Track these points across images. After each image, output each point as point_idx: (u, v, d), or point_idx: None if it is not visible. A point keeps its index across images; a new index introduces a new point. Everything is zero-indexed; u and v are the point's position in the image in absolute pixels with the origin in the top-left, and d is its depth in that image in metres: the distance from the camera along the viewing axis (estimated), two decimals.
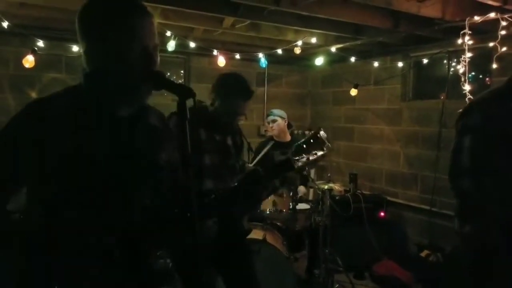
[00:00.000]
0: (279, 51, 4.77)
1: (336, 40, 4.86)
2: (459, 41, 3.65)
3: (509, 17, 3.39)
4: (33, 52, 3.95)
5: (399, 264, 4.35)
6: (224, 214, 1.56)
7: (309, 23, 4.10)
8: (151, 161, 1.31)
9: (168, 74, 5.77)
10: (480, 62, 4.19)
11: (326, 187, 4.09)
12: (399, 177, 5.30)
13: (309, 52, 5.31)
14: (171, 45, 4.06)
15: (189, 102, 1.09)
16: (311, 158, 1.68)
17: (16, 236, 1.22)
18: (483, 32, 3.76)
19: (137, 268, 1.26)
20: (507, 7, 3.36)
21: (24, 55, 3.97)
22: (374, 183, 5.61)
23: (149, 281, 1.28)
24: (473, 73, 4.28)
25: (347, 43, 4.79)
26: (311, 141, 1.66)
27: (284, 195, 3.80)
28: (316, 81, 6.68)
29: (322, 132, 1.66)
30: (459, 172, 1.78)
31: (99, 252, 1.21)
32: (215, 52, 4.50)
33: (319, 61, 5.12)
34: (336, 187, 4.35)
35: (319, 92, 6.61)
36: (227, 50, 4.86)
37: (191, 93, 1.08)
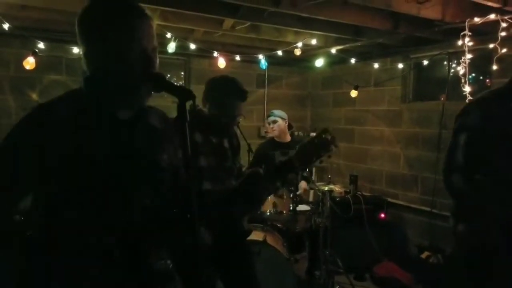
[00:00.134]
0: (279, 52, 4.77)
1: (336, 42, 4.87)
2: (459, 42, 3.66)
3: (509, 18, 3.39)
4: (34, 54, 3.96)
5: (399, 266, 4.34)
6: (224, 215, 1.54)
7: (309, 24, 4.10)
8: (151, 162, 1.32)
9: (169, 75, 5.78)
10: (480, 64, 4.19)
11: (326, 188, 4.09)
12: (399, 178, 5.30)
13: (309, 53, 5.31)
14: (171, 47, 4.07)
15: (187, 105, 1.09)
16: (316, 161, 1.56)
17: (17, 236, 1.23)
18: (483, 33, 3.76)
19: (137, 268, 1.26)
20: (507, 8, 3.37)
21: (24, 57, 3.98)
22: (375, 185, 5.61)
23: (149, 281, 1.28)
24: (473, 75, 4.28)
25: (347, 45, 4.80)
26: (317, 142, 1.53)
27: (284, 197, 3.80)
28: (316, 82, 6.68)
29: (328, 133, 1.54)
30: (452, 169, 1.78)
31: (99, 252, 1.21)
32: (215, 54, 4.51)
33: (319, 62, 5.13)
34: (337, 188, 4.35)
35: (319, 93, 6.62)
36: (227, 51, 4.87)
37: (191, 95, 1.09)
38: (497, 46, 3.50)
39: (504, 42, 3.49)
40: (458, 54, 4.05)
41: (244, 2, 3.40)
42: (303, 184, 4.36)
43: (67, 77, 4.80)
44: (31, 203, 1.23)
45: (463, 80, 3.64)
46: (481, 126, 1.73)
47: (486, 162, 1.71)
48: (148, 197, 1.28)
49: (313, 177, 4.48)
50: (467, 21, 3.51)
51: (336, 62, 5.71)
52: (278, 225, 3.76)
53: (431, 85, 5.17)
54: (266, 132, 5.13)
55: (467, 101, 3.49)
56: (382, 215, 4.89)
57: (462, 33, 3.58)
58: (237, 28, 4.23)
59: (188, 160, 1.08)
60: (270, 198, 3.70)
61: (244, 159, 3.24)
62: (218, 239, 1.62)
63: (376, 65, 5.29)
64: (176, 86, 1.13)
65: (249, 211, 2.52)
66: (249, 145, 3.48)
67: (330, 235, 3.92)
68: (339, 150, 6.06)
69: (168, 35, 3.97)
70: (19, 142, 1.21)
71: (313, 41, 4.56)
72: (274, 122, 4.48)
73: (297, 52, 4.58)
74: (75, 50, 4.34)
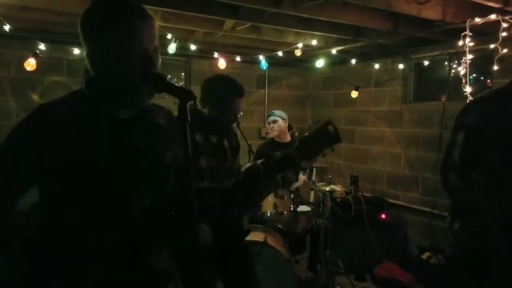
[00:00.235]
0: (280, 53, 4.77)
1: (337, 42, 4.87)
2: (460, 43, 3.65)
3: (510, 18, 3.39)
4: (35, 55, 3.96)
5: (400, 266, 4.34)
6: (224, 213, 1.52)
7: (310, 25, 4.10)
8: (153, 161, 1.32)
9: (169, 76, 5.78)
10: (481, 64, 4.19)
11: (327, 189, 4.10)
12: (400, 179, 5.30)
13: (310, 54, 5.31)
14: (172, 48, 4.07)
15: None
16: (318, 155, 1.45)
17: (17, 237, 1.23)
18: (484, 34, 3.76)
19: (137, 268, 1.26)
20: (507, 8, 3.36)
21: (25, 58, 3.99)
22: (375, 185, 5.61)
23: (149, 281, 1.28)
24: (474, 75, 4.28)
25: (348, 45, 4.80)
26: (319, 134, 1.42)
27: (285, 198, 3.80)
28: (316, 83, 6.68)
29: (332, 125, 1.42)
30: (449, 168, 1.78)
31: (99, 252, 1.22)
32: (215, 55, 4.51)
33: (320, 63, 5.12)
34: (337, 189, 4.35)
35: (320, 94, 6.62)
36: (228, 52, 4.88)
37: (191, 96, 1.09)
38: (498, 46, 3.49)
39: (505, 42, 3.49)
40: (458, 55, 4.05)
41: (245, 3, 3.40)
42: (302, 177, 4.35)
43: (68, 78, 4.80)
44: (34, 204, 1.24)
45: (464, 81, 3.64)
46: (479, 125, 1.73)
47: (483, 161, 1.70)
48: (148, 196, 1.28)
49: (314, 178, 4.46)
50: (467, 21, 3.51)
51: (337, 62, 5.71)
52: (279, 225, 3.76)
53: (431, 85, 5.16)
54: (266, 133, 5.13)
55: (467, 101, 3.49)
56: (383, 216, 4.89)
57: (462, 34, 3.57)
58: (237, 29, 4.23)
59: (189, 160, 1.08)
60: (271, 199, 3.70)
61: (245, 160, 3.24)
62: (218, 238, 1.61)
63: (376, 66, 5.29)
64: (176, 87, 1.13)
65: (249, 208, 2.52)
66: (249, 146, 3.48)
67: (330, 235, 3.92)
68: (339, 151, 6.06)
69: (169, 36, 3.98)
70: (20, 143, 1.22)
71: (314, 42, 4.56)
72: (274, 122, 4.49)
73: (298, 52, 4.58)
74: (76, 51, 4.35)
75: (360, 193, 4.92)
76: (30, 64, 3.97)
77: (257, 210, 3.61)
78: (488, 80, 4.46)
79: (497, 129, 1.70)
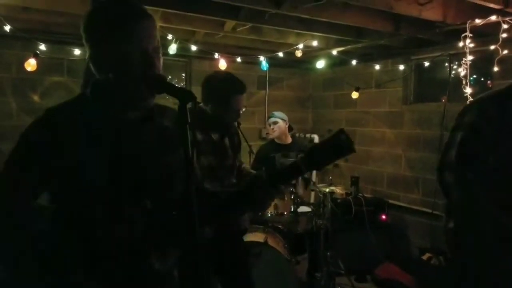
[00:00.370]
0: (281, 54, 4.78)
1: (337, 43, 4.87)
2: (460, 44, 3.66)
3: (510, 20, 3.39)
4: (35, 56, 3.97)
5: (400, 267, 4.34)
6: (224, 217, 1.51)
7: (310, 26, 4.10)
8: (157, 161, 1.32)
9: (170, 77, 5.78)
10: (481, 65, 4.19)
11: (327, 190, 4.09)
12: (400, 180, 5.29)
13: (311, 55, 5.31)
14: (173, 49, 4.07)
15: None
16: (328, 165, 1.35)
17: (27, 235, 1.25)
18: (484, 35, 3.76)
19: (137, 268, 1.27)
20: (508, 10, 3.36)
21: (26, 59, 3.99)
22: (376, 186, 5.60)
23: (149, 281, 1.29)
24: (474, 76, 4.28)
25: (348, 46, 4.80)
26: (331, 144, 1.30)
27: (285, 198, 3.80)
28: (317, 84, 6.68)
29: (345, 134, 1.29)
30: (445, 167, 1.78)
31: (100, 252, 1.23)
32: (216, 55, 4.51)
33: (320, 64, 5.13)
34: (338, 190, 4.34)
35: (321, 95, 6.62)
36: (228, 53, 4.88)
37: (191, 97, 1.09)
38: (498, 47, 3.49)
39: (505, 43, 3.49)
40: (459, 56, 4.05)
41: (245, 3, 3.40)
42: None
43: (69, 79, 4.80)
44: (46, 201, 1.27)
45: (464, 82, 3.64)
46: (479, 125, 1.73)
47: (480, 162, 1.70)
48: (150, 197, 1.29)
49: (314, 179, 4.47)
50: (468, 22, 3.51)
51: (337, 63, 5.71)
52: (279, 226, 3.76)
53: (432, 86, 5.16)
54: (267, 133, 5.13)
55: (468, 102, 3.49)
56: (383, 217, 4.88)
57: (463, 35, 3.57)
58: (238, 29, 4.23)
59: (189, 162, 1.08)
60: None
61: (245, 161, 3.24)
62: (215, 237, 1.60)
63: (377, 67, 5.29)
64: (176, 87, 1.14)
65: (249, 213, 2.52)
66: (250, 146, 3.49)
67: (331, 236, 3.92)
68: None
69: (169, 36, 3.98)
70: (30, 145, 1.24)
71: (314, 43, 4.56)
72: (275, 123, 4.50)
73: (298, 53, 4.58)
74: (77, 51, 4.36)
75: (360, 194, 4.92)
76: (31, 64, 3.97)
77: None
78: (489, 81, 4.45)
79: (496, 130, 1.69)
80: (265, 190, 1.35)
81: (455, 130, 1.81)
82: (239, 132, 2.77)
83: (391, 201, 5.14)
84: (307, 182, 4.40)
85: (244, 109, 2.51)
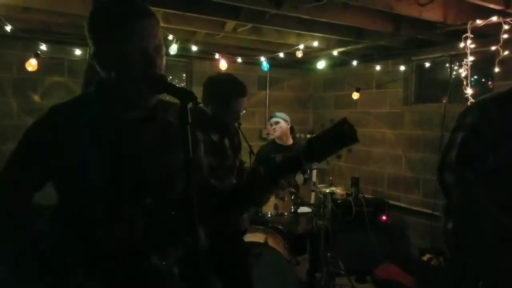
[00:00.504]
0: (281, 54, 4.78)
1: (338, 44, 4.87)
2: (461, 44, 3.65)
3: (511, 20, 3.39)
4: (36, 56, 3.97)
5: (401, 268, 4.33)
6: (222, 215, 1.50)
7: (311, 26, 4.10)
8: (158, 160, 1.32)
9: (170, 77, 5.78)
10: (482, 66, 4.19)
11: (328, 190, 4.09)
12: (401, 181, 5.29)
13: (311, 55, 5.31)
14: (173, 49, 4.07)
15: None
16: (330, 155, 1.31)
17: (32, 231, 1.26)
18: (485, 35, 3.76)
19: (137, 268, 1.27)
20: (509, 10, 3.36)
21: (27, 59, 4.00)
22: (376, 187, 5.60)
23: (149, 281, 1.29)
24: (475, 77, 4.28)
25: (349, 47, 4.80)
26: (334, 134, 1.25)
27: (286, 199, 3.80)
28: (318, 84, 6.68)
29: (347, 123, 1.25)
30: (445, 167, 1.78)
31: (100, 251, 1.23)
32: (217, 56, 4.52)
33: (321, 64, 5.13)
34: (338, 190, 4.35)
35: (321, 95, 6.62)
36: (229, 53, 4.88)
37: (192, 97, 1.09)
38: (499, 48, 3.49)
39: (506, 44, 3.49)
40: (460, 57, 4.05)
41: (246, 4, 3.40)
42: (299, 177, 4.34)
43: (69, 79, 4.80)
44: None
45: (465, 83, 3.64)
46: (479, 126, 1.73)
47: (480, 162, 1.70)
48: (149, 197, 1.29)
49: (315, 179, 4.47)
50: (469, 23, 3.51)
51: (338, 64, 5.71)
52: (280, 227, 3.75)
53: (433, 87, 5.16)
54: (267, 134, 5.13)
55: (468, 103, 3.49)
56: (384, 217, 4.88)
57: (464, 35, 3.57)
58: (238, 30, 4.23)
59: (189, 162, 1.08)
60: (272, 200, 3.70)
61: (246, 161, 3.24)
62: (214, 236, 1.60)
63: (378, 67, 5.29)
64: (177, 87, 1.13)
65: (249, 210, 2.51)
66: (250, 147, 3.48)
67: (331, 237, 3.92)
68: (340, 152, 6.06)
69: (170, 37, 3.98)
70: (32, 143, 1.26)
71: (315, 43, 4.57)
72: (276, 123, 4.50)
73: (299, 54, 4.58)
74: (77, 52, 4.37)
75: (361, 195, 4.91)
76: (32, 64, 3.98)
77: (257, 211, 3.61)
78: (489, 82, 4.45)
79: (497, 131, 1.69)
80: (265, 185, 1.33)
81: (456, 131, 1.81)
82: (240, 133, 2.78)
83: (391, 202, 5.14)
84: (305, 178, 4.38)
85: (244, 111, 2.51)
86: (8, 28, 3.69)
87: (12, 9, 3.64)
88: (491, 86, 4.40)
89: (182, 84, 5.77)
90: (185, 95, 1.09)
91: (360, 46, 4.70)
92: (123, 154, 1.26)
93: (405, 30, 4.07)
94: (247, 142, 3.26)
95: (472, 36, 3.55)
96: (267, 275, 3.08)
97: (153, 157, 1.31)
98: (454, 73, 4.60)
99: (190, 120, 1.07)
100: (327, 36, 4.45)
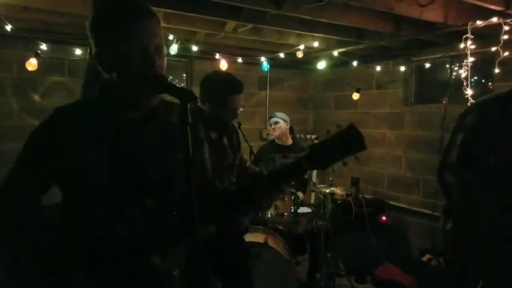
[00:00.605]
0: (281, 55, 4.78)
1: (338, 44, 4.87)
2: (461, 45, 3.66)
3: (511, 21, 3.39)
4: (36, 56, 3.97)
5: (400, 268, 4.33)
6: (223, 217, 1.50)
7: (311, 27, 4.10)
8: (160, 161, 1.32)
9: (171, 77, 5.79)
10: (482, 67, 4.19)
11: (327, 191, 4.09)
12: (401, 181, 5.29)
13: (311, 56, 5.32)
14: (174, 49, 4.07)
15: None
16: (336, 162, 1.27)
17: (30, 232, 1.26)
18: (486, 36, 3.76)
19: (137, 268, 1.27)
20: (509, 11, 3.36)
21: (27, 59, 4.00)
22: (376, 187, 5.60)
23: (149, 281, 1.29)
24: (475, 78, 4.28)
25: (349, 47, 4.80)
26: (339, 140, 1.21)
27: (286, 199, 3.80)
28: (318, 85, 6.68)
29: (355, 129, 1.20)
30: (445, 168, 1.78)
31: (101, 251, 1.23)
32: (217, 56, 4.52)
33: (321, 65, 5.13)
34: (338, 191, 4.35)
35: (321, 96, 6.62)
36: (229, 53, 4.88)
37: (192, 97, 1.09)
38: (499, 49, 3.50)
39: (506, 45, 3.49)
40: (460, 57, 4.05)
41: (246, 4, 3.40)
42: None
43: (69, 79, 4.80)
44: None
45: (465, 83, 3.64)
46: (480, 127, 1.73)
47: (480, 163, 1.70)
48: (149, 197, 1.29)
49: (315, 180, 4.47)
50: (469, 24, 3.51)
51: (338, 64, 5.71)
52: (280, 227, 3.75)
53: (433, 88, 5.16)
54: (267, 134, 5.14)
55: (469, 104, 3.49)
56: (384, 218, 4.88)
57: (464, 36, 3.57)
58: (239, 30, 4.23)
59: (189, 162, 1.08)
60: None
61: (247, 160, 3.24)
62: (214, 237, 1.59)
63: (378, 68, 5.29)
64: (177, 87, 1.13)
65: (248, 214, 2.51)
66: (250, 147, 3.49)
67: (331, 237, 3.92)
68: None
69: (171, 37, 3.98)
70: (37, 144, 1.27)
71: (315, 44, 4.57)
72: (276, 123, 4.50)
73: (299, 54, 4.58)
74: (78, 51, 4.37)
75: (361, 195, 4.92)
76: (32, 64, 3.98)
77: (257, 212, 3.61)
78: (489, 83, 4.45)
79: (497, 132, 1.70)
80: (266, 191, 1.31)
81: (456, 131, 1.81)
82: (239, 132, 2.78)
83: (391, 202, 5.14)
84: (305, 183, 4.39)
85: (242, 109, 2.51)
86: (8, 27, 3.69)
87: (12, 8, 3.64)
88: (491, 87, 4.40)
89: (182, 84, 5.77)
90: (185, 95, 1.09)
91: (360, 46, 4.70)
92: (123, 154, 1.26)
93: (406, 31, 4.07)
94: (247, 142, 3.26)
95: (472, 37, 3.55)
96: (267, 275, 3.08)
97: (153, 157, 1.31)
98: (454, 73, 4.60)
99: (190, 120, 1.07)
100: (327, 36, 4.45)
